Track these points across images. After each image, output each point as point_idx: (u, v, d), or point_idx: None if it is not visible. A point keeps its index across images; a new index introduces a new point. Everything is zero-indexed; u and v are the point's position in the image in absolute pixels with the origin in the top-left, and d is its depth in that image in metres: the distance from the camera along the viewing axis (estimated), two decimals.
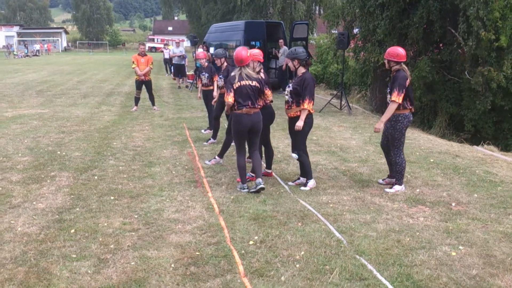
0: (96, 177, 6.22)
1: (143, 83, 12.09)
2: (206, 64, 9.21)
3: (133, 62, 11.97)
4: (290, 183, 6.07)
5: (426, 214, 4.98)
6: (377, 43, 12.67)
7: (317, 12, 28.36)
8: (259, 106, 5.70)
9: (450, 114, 11.95)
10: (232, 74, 5.68)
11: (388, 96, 5.67)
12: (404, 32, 11.91)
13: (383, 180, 6.19)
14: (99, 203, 5.23)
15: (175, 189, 5.77)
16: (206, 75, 9.05)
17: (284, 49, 15.96)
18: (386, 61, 5.72)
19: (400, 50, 5.64)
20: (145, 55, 12.11)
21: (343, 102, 12.99)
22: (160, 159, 7.22)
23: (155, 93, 13.23)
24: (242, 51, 5.57)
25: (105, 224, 4.62)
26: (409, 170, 6.70)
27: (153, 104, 12.59)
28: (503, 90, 10.70)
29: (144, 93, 12.43)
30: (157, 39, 68.23)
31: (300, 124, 5.61)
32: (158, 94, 14.45)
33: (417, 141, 9.02)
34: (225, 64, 8.03)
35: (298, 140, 5.82)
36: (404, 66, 5.65)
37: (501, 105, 11.02)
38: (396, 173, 5.85)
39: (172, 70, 20.68)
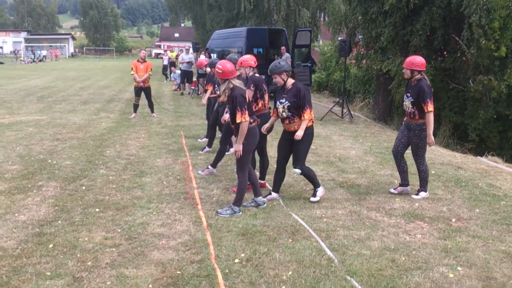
0: (84, 188, 6.03)
1: (142, 90, 11.93)
2: (209, 70, 9.03)
3: (132, 69, 11.82)
4: (267, 198, 5.67)
5: (424, 231, 4.73)
6: (380, 50, 12.45)
7: (321, 19, 28.19)
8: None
9: (454, 123, 11.70)
10: (237, 89, 5.05)
11: (409, 105, 5.69)
12: (407, 39, 11.68)
13: (395, 189, 6.06)
14: (83, 215, 5.03)
15: (164, 200, 5.56)
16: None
17: (286, 56, 15.76)
18: (408, 71, 5.71)
19: (422, 59, 5.77)
20: (145, 61, 11.96)
21: (344, 110, 12.75)
22: (152, 169, 7.02)
23: (155, 100, 13.07)
24: (227, 64, 5.08)
25: (86, 238, 4.42)
26: (410, 183, 6.45)
27: (152, 111, 12.41)
28: (507, 99, 10.44)
29: (143, 100, 12.26)
30: (164, 45, 68.36)
31: (300, 133, 5.28)
32: (158, 101, 14.30)
33: None
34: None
35: (302, 154, 5.47)
36: (424, 74, 5.75)
37: (506, 114, 10.75)
38: (421, 180, 5.89)
39: (177, 77, 20.56)
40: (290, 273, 3.77)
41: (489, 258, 4.07)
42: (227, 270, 3.80)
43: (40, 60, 53.65)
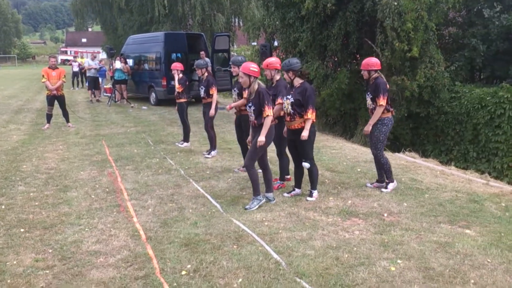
0: (3, 207, 5.53)
1: (55, 98, 11.26)
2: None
3: (43, 76, 11.11)
4: (285, 194, 5.99)
5: (360, 227, 4.91)
6: (298, 55, 12.80)
7: (236, 24, 28.42)
8: None
9: None
10: (262, 86, 5.45)
11: (370, 102, 6.10)
12: (324, 43, 12.13)
13: (371, 184, 6.40)
14: (7, 237, 4.60)
15: (95, 215, 5.25)
16: (204, 88, 8.26)
17: (206, 60, 15.65)
18: (366, 72, 6.11)
19: (376, 59, 6.18)
20: (56, 68, 11.30)
21: None
22: (77, 182, 6.61)
23: (70, 108, 12.38)
24: (251, 65, 5.42)
25: (14, 262, 4.04)
26: (339, 181, 6.69)
27: (68, 121, 11.73)
28: (417, 98, 11.21)
29: (57, 109, 11.55)
30: (70, 51, 64.98)
31: (305, 134, 5.58)
32: (73, 110, 13.54)
33: (342, 150, 9.12)
34: (206, 74, 8.11)
35: (308, 149, 5.77)
36: (380, 73, 6.11)
37: (417, 112, 11.53)
38: (386, 172, 6.24)
39: (87, 83, 19.61)
40: (240, 280, 3.72)
41: (424, 249, 4.31)
42: (175, 284, 3.67)
43: None
